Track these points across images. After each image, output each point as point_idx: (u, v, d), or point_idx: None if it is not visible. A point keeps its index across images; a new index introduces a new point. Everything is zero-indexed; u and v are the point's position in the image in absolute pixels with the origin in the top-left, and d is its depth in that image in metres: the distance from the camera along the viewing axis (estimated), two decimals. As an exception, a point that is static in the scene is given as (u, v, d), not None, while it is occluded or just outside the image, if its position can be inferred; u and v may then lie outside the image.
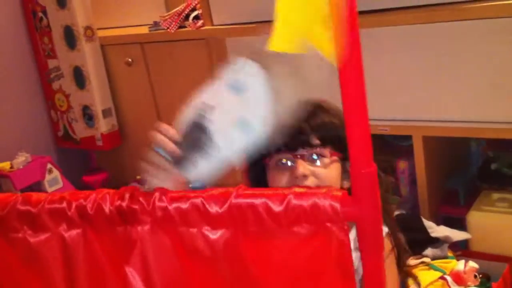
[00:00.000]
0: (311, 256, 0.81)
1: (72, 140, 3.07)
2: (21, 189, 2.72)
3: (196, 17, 2.48)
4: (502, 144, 2.06)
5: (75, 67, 2.90)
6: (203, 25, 2.42)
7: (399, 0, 1.87)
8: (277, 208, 0.80)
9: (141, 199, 0.87)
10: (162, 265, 0.88)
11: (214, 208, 0.83)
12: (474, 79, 1.86)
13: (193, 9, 2.51)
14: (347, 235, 0.79)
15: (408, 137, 2.03)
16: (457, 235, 1.74)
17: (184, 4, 2.55)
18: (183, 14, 2.51)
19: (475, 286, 1.53)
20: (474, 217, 1.91)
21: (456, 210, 2.04)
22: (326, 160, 1.20)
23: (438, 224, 1.78)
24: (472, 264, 1.56)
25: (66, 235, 0.92)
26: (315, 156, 1.19)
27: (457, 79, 1.89)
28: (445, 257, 1.65)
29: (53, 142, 3.15)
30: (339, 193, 0.78)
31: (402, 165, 2.15)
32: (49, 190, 2.70)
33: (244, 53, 0.92)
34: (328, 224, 0.78)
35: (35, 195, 0.95)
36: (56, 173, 2.75)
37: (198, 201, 0.83)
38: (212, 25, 2.38)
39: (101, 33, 2.89)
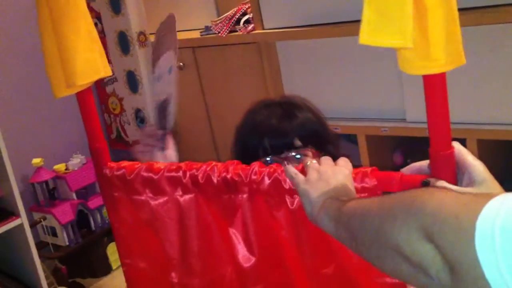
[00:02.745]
0: None
1: (123, 142, 3.13)
2: (76, 190, 2.79)
3: (247, 21, 2.50)
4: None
5: (128, 71, 2.96)
6: (254, 29, 2.43)
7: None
8: (356, 184, 0.91)
9: (240, 172, 1.00)
10: (257, 227, 1.03)
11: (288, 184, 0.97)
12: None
13: (244, 13, 2.53)
14: None
15: (462, 141, 1.99)
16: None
17: (235, 9, 2.57)
18: (234, 19, 2.54)
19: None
20: (531, 223, 1.86)
21: (512, 216, 1.99)
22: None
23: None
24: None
25: (181, 199, 1.08)
26: (298, 156, 1.22)
27: (511, 81, 1.85)
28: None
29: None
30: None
31: (455, 169, 2.11)
32: (103, 191, 2.75)
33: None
34: None
35: (156, 164, 1.10)
36: (109, 175, 2.81)
37: (277, 175, 0.97)
38: (263, 29, 2.39)
39: (153, 38, 2.93)
